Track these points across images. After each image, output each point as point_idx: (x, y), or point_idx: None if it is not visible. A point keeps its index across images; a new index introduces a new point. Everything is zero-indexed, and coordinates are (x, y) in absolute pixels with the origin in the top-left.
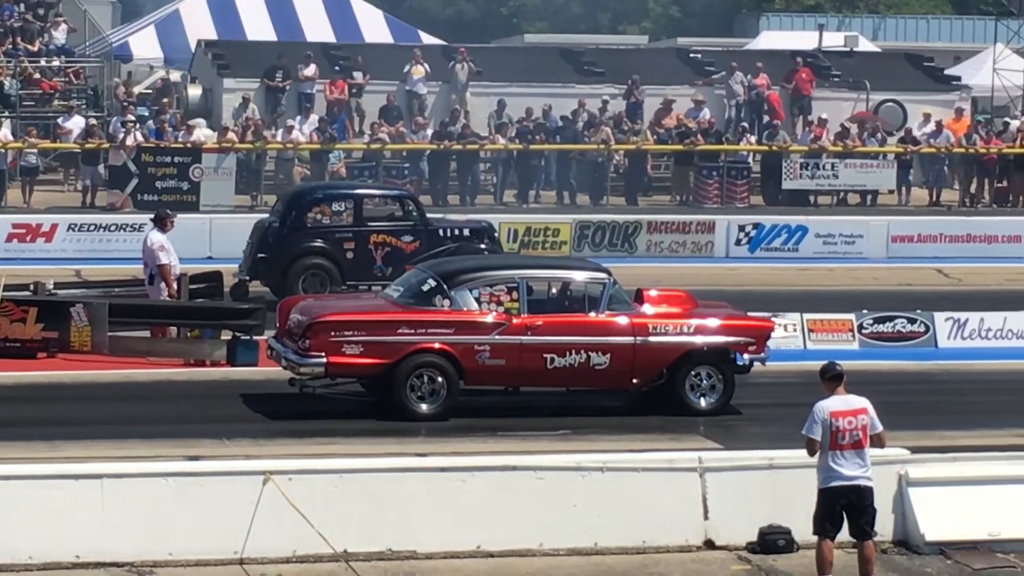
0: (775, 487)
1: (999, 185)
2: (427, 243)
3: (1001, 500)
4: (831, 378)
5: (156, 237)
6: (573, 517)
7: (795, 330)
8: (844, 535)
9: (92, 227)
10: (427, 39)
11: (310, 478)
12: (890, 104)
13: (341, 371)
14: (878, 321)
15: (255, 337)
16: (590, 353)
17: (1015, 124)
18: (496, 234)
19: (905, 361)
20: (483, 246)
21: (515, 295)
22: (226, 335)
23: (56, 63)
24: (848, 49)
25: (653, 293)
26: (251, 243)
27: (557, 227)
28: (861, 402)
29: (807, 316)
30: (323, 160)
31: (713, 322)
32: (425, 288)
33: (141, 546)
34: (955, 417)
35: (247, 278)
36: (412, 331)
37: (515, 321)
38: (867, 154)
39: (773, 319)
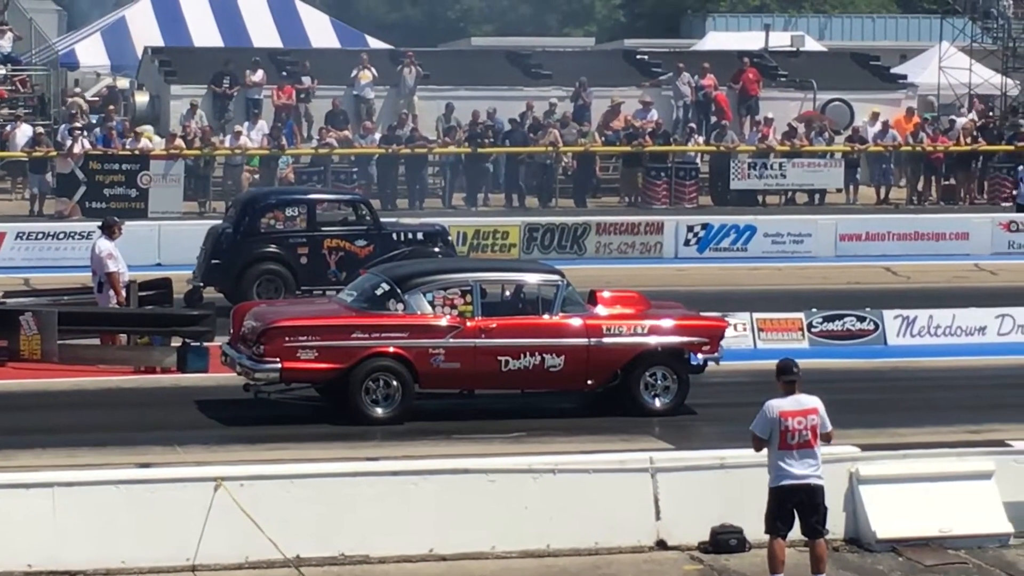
0: (727, 486)
1: (946, 183)
2: (381, 247)
3: (952, 496)
4: (787, 381)
5: (104, 245)
6: (525, 519)
7: (745, 330)
8: (796, 534)
9: (40, 235)
10: (374, 43)
11: (262, 484)
12: (837, 103)
13: (296, 376)
14: (827, 320)
15: (205, 344)
16: (544, 355)
17: (961, 122)
18: (450, 237)
19: (855, 359)
20: (437, 249)
21: (469, 298)
22: (176, 342)
23: (2, 71)
24: (794, 49)
25: (606, 294)
26: (205, 249)
27: (506, 230)
28: (812, 402)
29: (757, 315)
30: (272, 166)
31: (667, 322)
32: (379, 292)
33: (93, 554)
34: (905, 414)
35: (201, 284)
36: (366, 335)
37: (469, 324)
38: (815, 153)
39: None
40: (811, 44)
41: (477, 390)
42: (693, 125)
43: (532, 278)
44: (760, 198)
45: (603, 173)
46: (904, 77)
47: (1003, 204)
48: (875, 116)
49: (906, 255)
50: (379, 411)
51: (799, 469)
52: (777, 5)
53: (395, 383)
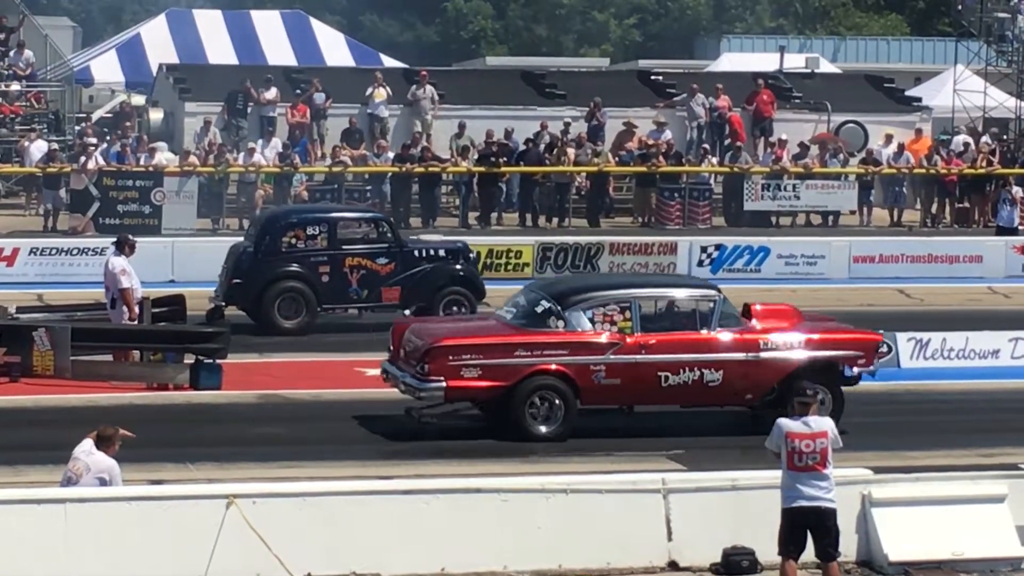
0: (739, 508)
1: (960, 205)
2: (402, 265)
3: (964, 520)
4: (801, 403)
5: (118, 261)
6: (537, 539)
7: None
8: (809, 555)
9: (54, 251)
10: (388, 62)
11: (273, 501)
12: (851, 125)
13: (460, 395)
14: None
15: (218, 360)
16: (703, 370)
17: (960, 139)
18: (472, 254)
19: (868, 381)
20: (458, 267)
21: (628, 314)
22: (189, 359)
23: (17, 87)
24: (809, 71)
25: (759, 308)
26: (226, 268)
27: (519, 249)
28: (822, 425)
29: None
30: (284, 184)
31: (822, 336)
32: (539, 309)
33: (104, 571)
34: (918, 437)
35: (223, 303)
36: (529, 353)
37: (629, 340)
38: (828, 175)
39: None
40: (825, 66)
41: (637, 406)
42: (707, 146)
43: (689, 293)
44: (774, 219)
45: (616, 193)
46: (919, 100)
47: (1020, 228)
48: (889, 138)
49: (920, 277)
50: (543, 429)
51: (809, 491)
52: (792, 27)
53: (558, 400)
